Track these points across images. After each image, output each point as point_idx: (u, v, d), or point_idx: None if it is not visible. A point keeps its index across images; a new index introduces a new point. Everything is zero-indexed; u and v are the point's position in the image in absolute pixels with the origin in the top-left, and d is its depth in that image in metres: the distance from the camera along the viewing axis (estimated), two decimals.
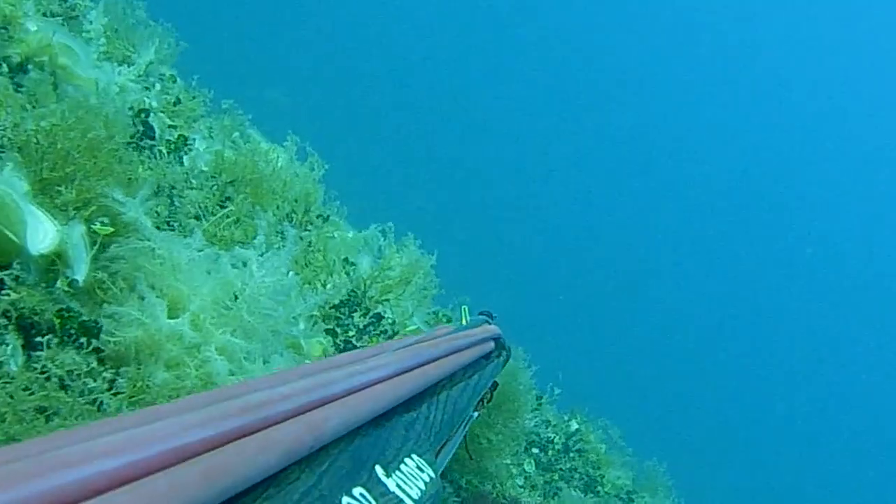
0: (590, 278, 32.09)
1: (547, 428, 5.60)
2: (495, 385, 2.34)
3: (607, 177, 36.35)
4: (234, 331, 2.23)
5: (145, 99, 3.31)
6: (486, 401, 2.19)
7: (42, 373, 1.82)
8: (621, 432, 6.03)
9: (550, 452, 5.47)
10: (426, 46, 34.61)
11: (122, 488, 0.58)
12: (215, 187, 3.26)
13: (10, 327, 1.86)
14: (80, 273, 2.04)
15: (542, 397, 5.52)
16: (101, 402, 1.91)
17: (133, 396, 1.97)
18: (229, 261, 2.34)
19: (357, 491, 0.92)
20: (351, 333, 3.57)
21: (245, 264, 2.37)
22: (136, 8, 3.66)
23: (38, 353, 1.84)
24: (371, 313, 3.74)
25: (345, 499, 0.88)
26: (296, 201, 3.86)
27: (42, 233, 1.97)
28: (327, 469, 0.88)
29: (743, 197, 37.63)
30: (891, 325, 35.16)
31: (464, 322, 2.41)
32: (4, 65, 2.57)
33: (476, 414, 1.99)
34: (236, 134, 4.05)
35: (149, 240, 2.14)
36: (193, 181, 3.17)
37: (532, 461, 5.16)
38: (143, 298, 2.05)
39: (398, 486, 1.04)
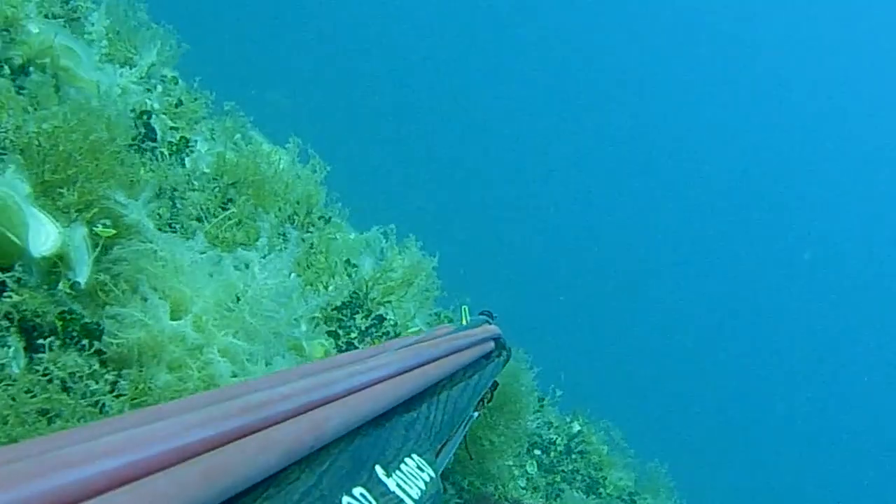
0: (591, 279, 32.07)
1: (549, 429, 5.60)
2: (495, 385, 2.34)
3: (608, 177, 36.35)
4: (236, 332, 2.23)
5: (147, 101, 3.31)
6: (486, 401, 2.19)
7: (44, 375, 1.83)
8: (623, 434, 6.03)
9: (552, 454, 5.47)
10: (426, 47, 34.63)
11: (122, 488, 0.58)
12: (217, 189, 3.26)
13: (13, 329, 1.87)
14: (82, 275, 2.04)
15: (544, 399, 5.51)
16: (104, 405, 1.91)
17: (135, 398, 1.97)
18: (231, 262, 2.34)
19: (357, 491, 0.92)
20: (353, 335, 3.57)
21: (247, 266, 2.38)
22: (137, 10, 3.66)
23: (40, 355, 1.85)
24: (373, 315, 3.74)
25: (345, 498, 0.88)
26: (298, 203, 3.86)
27: (44, 235, 1.97)
28: (327, 469, 0.89)
29: (744, 197, 37.62)
30: (891, 325, 35.13)
31: (464, 322, 2.42)
32: (6, 67, 2.58)
33: (476, 414, 1.99)
34: (238, 136, 4.05)
35: (151, 242, 2.14)
36: (195, 183, 3.17)
37: (534, 463, 5.15)
38: (145, 300, 2.05)
39: (398, 485, 1.04)
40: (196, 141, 3.44)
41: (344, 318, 3.63)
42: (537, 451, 5.34)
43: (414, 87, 33.55)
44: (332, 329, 3.50)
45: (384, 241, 4.17)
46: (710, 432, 27.99)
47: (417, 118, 32.66)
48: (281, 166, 3.73)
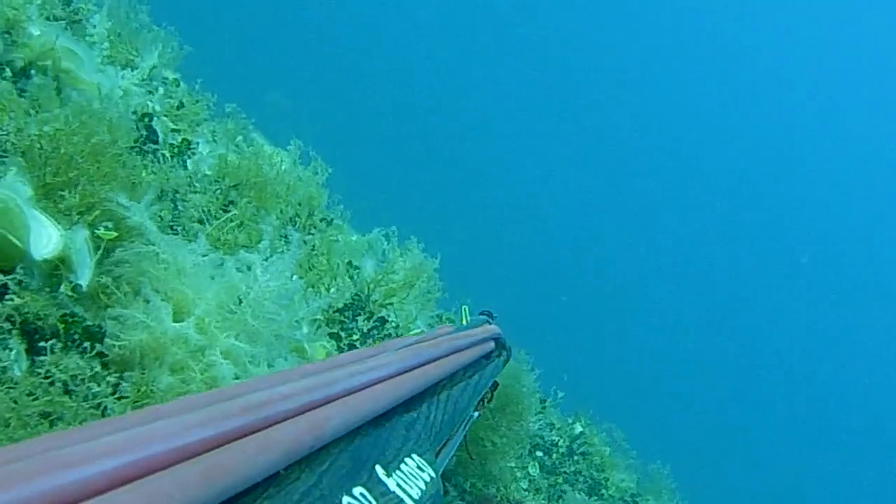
0: (592, 281, 32.10)
1: (551, 431, 5.60)
2: (496, 385, 2.34)
3: (608, 178, 36.38)
4: (238, 335, 2.23)
5: (148, 103, 3.32)
6: (486, 400, 2.20)
7: (46, 378, 1.83)
8: (625, 435, 6.03)
9: (555, 455, 5.47)
10: (427, 48, 34.68)
11: (122, 488, 0.58)
12: (219, 191, 3.26)
13: (14, 332, 1.87)
14: (84, 278, 2.04)
15: (545, 400, 5.51)
16: (106, 407, 1.91)
17: (137, 401, 1.97)
18: (234, 265, 2.34)
19: (357, 490, 0.92)
20: (355, 337, 3.57)
21: (249, 268, 2.38)
22: (139, 12, 3.67)
23: (42, 357, 1.85)
24: (375, 317, 3.74)
25: (345, 498, 0.88)
26: (299, 205, 3.86)
27: (45, 238, 1.98)
28: (328, 469, 0.89)
29: (745, 197, 37.66)
30: (890, 325, 35.11)
31: (464, 322, 2.42)
32: (8, 69, 2.58)
33: (476, 414, 1.99)
34: (240, 138, 4.05)
35: (153, 244, 2.14)
36: (197, 185, 3.18)
37: (536, 464, 5.15)
38: (147, 302, 2.05)
39: (398, 485, 1.04)
40: (198, 143, 3.45)
41: (346, 320, 3.63)
42: (539, 453, 5.33)
43: (415, 89, 33.60)
44: (334, 331, 3.51)
45: (386, 242, 4.17)
46: (712, 433, 28.02)
47: (419, 119, 32.72)
48: (282, 168, 3.74)
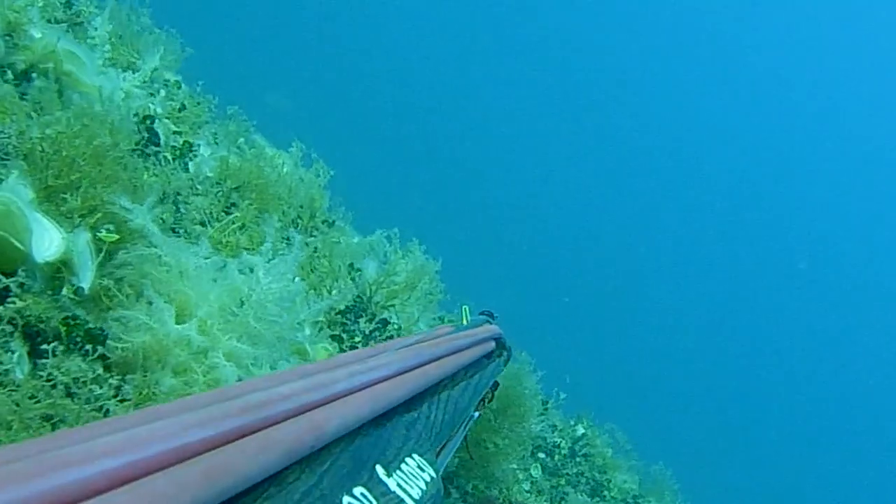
0: (595, 282, 32.11)
1: (553, 432, 5.59)
2: (496, 385, 2.34)
3: (609, 180, 36.38)
4: (240, 337, 2.24)
5: (150, 105, 3.32)
6: (486, 400, 2.19)
7: (48, 380, 1.83)
8: (627, 436, 6.03)
9: (557, 457, 5.46)
10: (427, 48, 34.71)
11: (122, 488, 0.58)
12: (220, 193, 3.26)
13: (16, 335, 1.87)
14: (86, 280, 2.05)
15: (548, 402, 5.50)
16: (108, 409, 1.91)
17: (140, 403, 1.97)
18: (236, 267, 2.34)
19: (358, 490, 0.92)
20: (357, 339, 3.57)
21: (251, 270, 2.38)
22: (140, 14, 3.66)
23: (44, 360, 1.85)
24: (377, 319, 3.74)
25: (346, 498, 0.88)
26: (301, 207, 3.86)
27: (47, 240, 1.98)
28: (328, 469, 0.89)
29: (745, 197, 37.63)
30: (890, 325, 35.08)
31: (465, 322, 2.42)
32: (9, 72, 2.58)
33: (477, 414, 1.99)
34: (241, 140, 4.06)
35: (156, 246, 2.14)
36: (199, 187, 3.18)
37: (538, 466, 5.15)
38: (150, 304, 2.05)
39: (399, 485, 1.04)
40: (199, 145, 3.45)
41: (348, 322, 3.63)
42: (541, 455, 5.33)
43: (416, 91, 33.64)
44: (336, 333, 3.51)
45: (388, 244, 4.17)
46: (714, 434, 28.01)
47: (420, 121, 32.75)
48: (284, 170, 3.74)
